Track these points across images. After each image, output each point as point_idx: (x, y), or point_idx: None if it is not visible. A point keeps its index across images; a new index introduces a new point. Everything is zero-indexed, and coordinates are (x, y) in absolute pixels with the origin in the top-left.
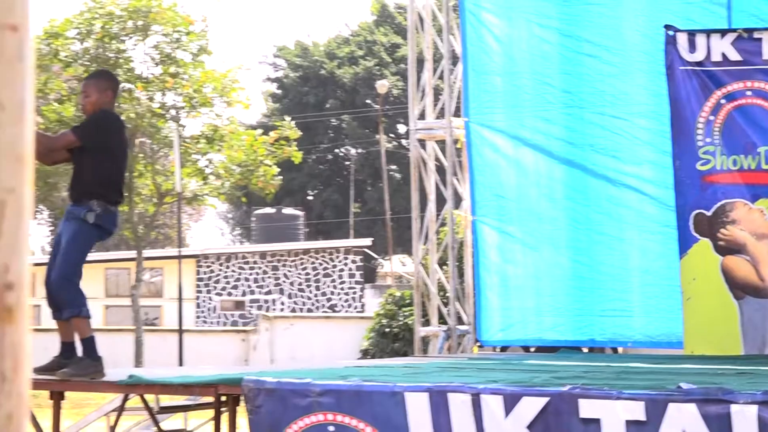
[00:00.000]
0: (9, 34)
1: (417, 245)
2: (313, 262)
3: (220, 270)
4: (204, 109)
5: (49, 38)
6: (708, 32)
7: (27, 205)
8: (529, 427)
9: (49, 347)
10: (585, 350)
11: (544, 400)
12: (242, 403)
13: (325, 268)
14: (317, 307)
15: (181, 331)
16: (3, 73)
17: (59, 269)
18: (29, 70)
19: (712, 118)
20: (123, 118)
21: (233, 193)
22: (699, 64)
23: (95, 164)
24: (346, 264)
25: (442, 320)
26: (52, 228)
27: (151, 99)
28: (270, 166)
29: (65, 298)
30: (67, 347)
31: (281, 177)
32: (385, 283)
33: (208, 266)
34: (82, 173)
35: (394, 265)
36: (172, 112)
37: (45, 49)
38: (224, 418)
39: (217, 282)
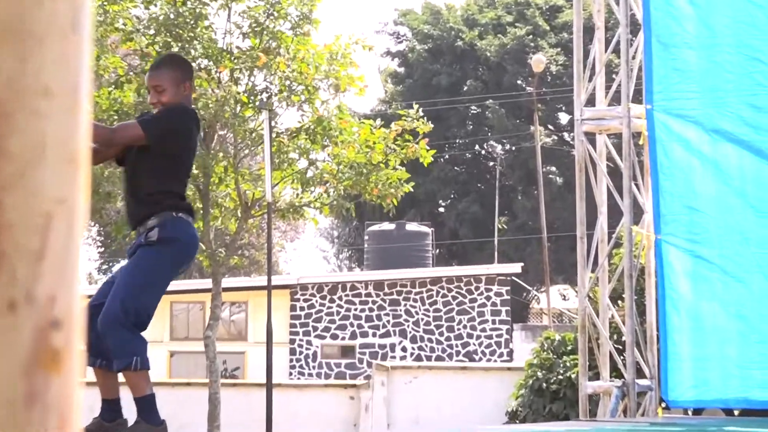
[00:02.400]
0: None
1: (583, 273)
2: (444, 296)
3: (323, 305)
4: (305, 94)
5: (103, 1)
6: None
7: (80, 220)
8: None
9: (92, 405)
10: None
11: None
12: None
13: (460, 303)
14: (449, 355)
15: (270, 386)
16: (51, 49)
17: (109, 305)
18: (86, 44)
19: None
20: (199, 105)
21: (341, 205)
22: None
23: (157, 171)
24: (488, 298)
25: (616, 373)
26: (101, 249)
27: (236, 81)
28: (394, 168)
29: (115, 342)
30: (111, 406)
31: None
32: (539, 323)
33: (307, 300)
34: (140, 183)
35: (551, 299)
36: (263, 98)
37: (97, 15)
38: None
39: (318, 321)
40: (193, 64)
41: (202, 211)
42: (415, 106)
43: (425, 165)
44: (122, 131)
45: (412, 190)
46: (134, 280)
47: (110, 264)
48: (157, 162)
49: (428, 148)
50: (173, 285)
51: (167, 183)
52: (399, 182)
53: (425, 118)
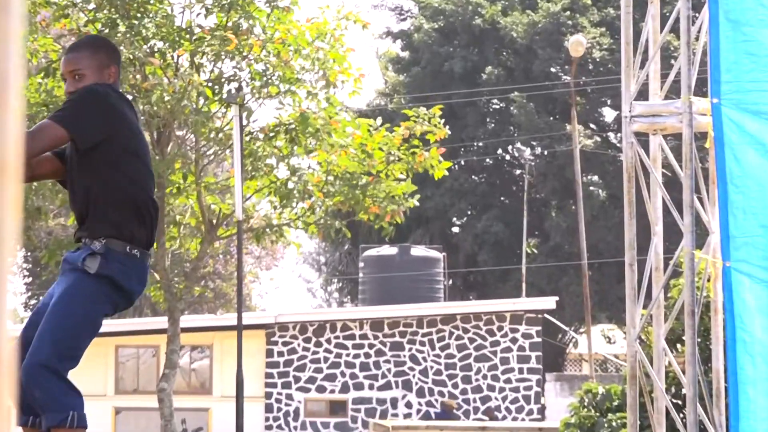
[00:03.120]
0: None
1: (633, 309)
2: (459, 338)
3: (306, 350)
4: (285, 85)
5: None
6: None
7: (7, 245)
8: None
9: None
10: None
11: None
12: None
13: (479, 347)
14: (466, 412)
15: None
16: None
17: (36, 348)
18: (15, 24)
19: None
20: (153, 99)
21: (330, 224)
22: None
23: (105, 176)
24: (514, 340)
25: None
26: (28, 280)
27: (198, 69)
28: (399, 179)
29: (43, 396)
30: None
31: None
32: (578, 372)
33: (287, 343)
34: (84, 195)
35: (593, 342)
36: (232, 89)
37: None
38: None
39: (301, 369)
40: (145, 47)
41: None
42: (434, 110)
43: (436, 178)
44: (37, 136)
45: (417, 204)
46: (68, 311)
47: (40, 298)
48: (101, 165)
49: (442, 158)
50: (119, 325)
51: (122, 192)
52: (403, 197)
53: (442, 120)
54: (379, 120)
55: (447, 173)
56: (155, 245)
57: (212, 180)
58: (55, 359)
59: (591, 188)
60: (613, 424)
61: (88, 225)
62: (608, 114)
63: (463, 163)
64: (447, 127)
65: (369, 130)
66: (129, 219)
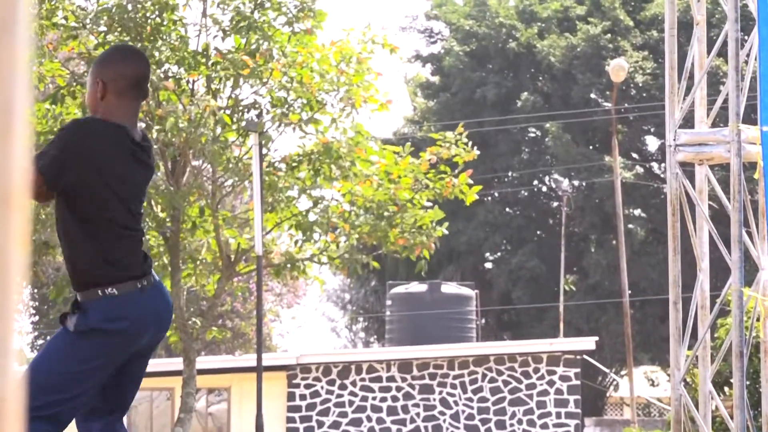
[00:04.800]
0: None
1: (677, 350)
2: (493, 380)
3: (330, 392)
4: (306, 112)
5: None
6: None
7: (13, 280)
8: None
9: None
10: None
11: None
12: None
13: (514, 391)
14: None
15: None
16: None
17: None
18: (21, 47)
19: None
20: (167, 126)
21: (355, 258)
22: None
23: (77, 227)
24: (551, 383)
25: None
26: (35, 319)
27: (215, 94)
28: (426, 207)
29: None
30: None
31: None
32: (619, 416)
33: (310, 386)
34: (65, 245)
35: (635, 384)
36: (252, 116)
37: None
38: None
39: (324, 414)
40: (159, 71)
41: (170, 268)
42: (458, 130)
43: (467, 203)
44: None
45: (446, 232)
46: (44, 367)
47: (47, 338)
48: (74, 214)
49: (471, 182)
50: None
51: (93, 243)
52: (432, 226)
53: (468, 143)
54: (407, 148)
55: (479, 203)
56: (169, 283)
57: (229, 213)
58: (33, 409)
59: (632, 222)
60: None
61: (71, 277)
62: (651, 143)
63: (496, 194)
64: (478, 156)
65: (395, 159)
66: (97, 263)
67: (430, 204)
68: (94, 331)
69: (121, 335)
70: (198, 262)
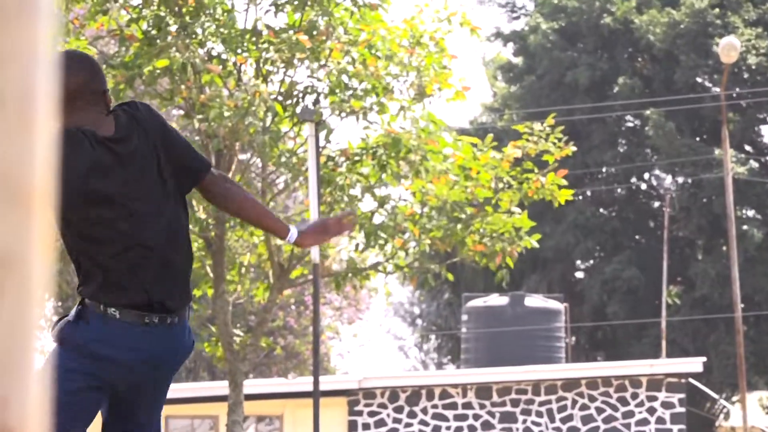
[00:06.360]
0: None
1: None
2: (585, 407)
3: (398, 421)
4: (370, 98)
5: None
6: None
7: (36, 288)
8: None
9: None
10: None
11: None
12: None
13: (609, 419)
14: None
15: None
16: None
17: None
18: (46, 28)
19: None
20: (211, 115)
21: (426, 267)
22: None
23: (66, 239)
24: (652, 410)
25: None
26: None
27: (265, 78)
28: (509, 212)
29: None
30: None
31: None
32: None
33: (374, 413)
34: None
35: (749, 411)
36: (307, 104)
37: None
38: None
39: None
40: (201, 51)
41: (212, 275)
42: (548, 121)
43: (556, 205)
44: None
45: (536, 245)
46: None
47: None
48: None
49: (564, 183)
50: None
51: (78, 257)
52: (516, 233)
53: (562, 138)
54: (487, 139)
55: (568, 203)
56: (210, 291)
57: (281, 213)
58: None
59: (746, 225)
60: None
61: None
62: (767, 133)
63: (588, 193)
64: (574, 149)
65: (473, 152)
66: (94, 277)
67: (517, 209)
68: (80, 346)
69: (112, 363)
70: (243, 270)
